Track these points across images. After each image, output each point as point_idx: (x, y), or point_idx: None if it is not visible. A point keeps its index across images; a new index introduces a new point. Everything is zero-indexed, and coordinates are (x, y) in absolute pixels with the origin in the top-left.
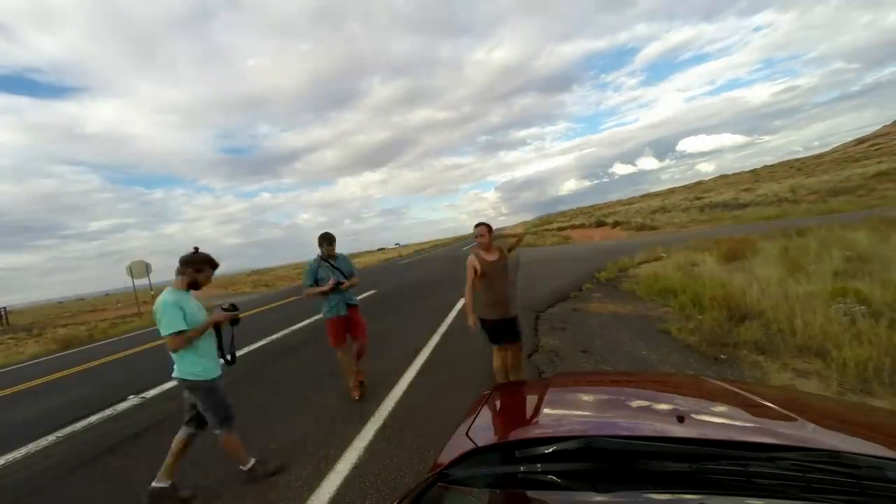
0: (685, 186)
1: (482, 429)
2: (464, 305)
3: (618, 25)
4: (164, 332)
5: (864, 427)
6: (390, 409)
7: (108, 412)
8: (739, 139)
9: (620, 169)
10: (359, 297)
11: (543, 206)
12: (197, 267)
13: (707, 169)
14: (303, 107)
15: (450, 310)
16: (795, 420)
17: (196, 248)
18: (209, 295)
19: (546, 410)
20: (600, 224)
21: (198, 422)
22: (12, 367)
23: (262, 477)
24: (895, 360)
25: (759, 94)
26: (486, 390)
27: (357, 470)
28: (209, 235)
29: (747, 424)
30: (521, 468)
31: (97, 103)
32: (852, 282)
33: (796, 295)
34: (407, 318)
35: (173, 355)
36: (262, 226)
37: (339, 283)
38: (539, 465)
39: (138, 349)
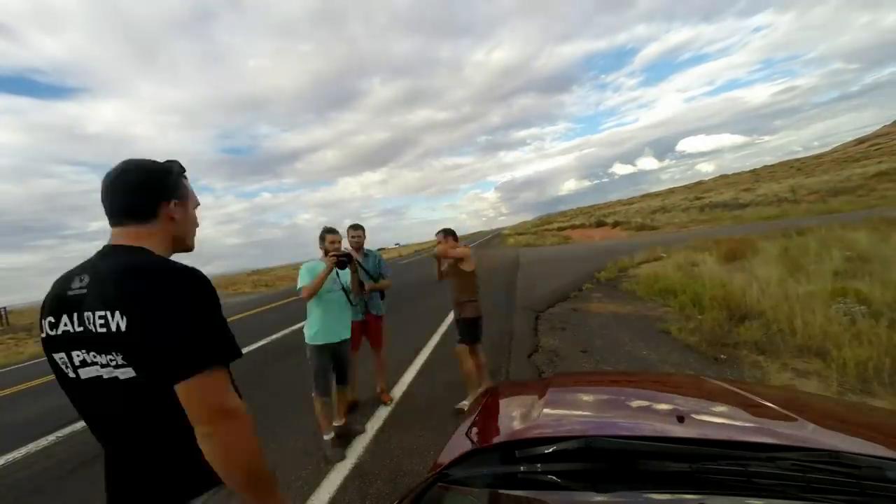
0: (685, 186)
1: (482, 429)
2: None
3: (617, 26)
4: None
5: (864, 427)
6: (391, 408)
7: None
8: (739, 139)
9: (620, 169)
10: None
11: (543, 206)
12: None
13: (707, 169)
14: (303, 107)
15: (450, 310)
16: (795, 420)
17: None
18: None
19: (546, 410)
20: (600, 224)
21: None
22: (12, 367)
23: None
24: (895, 360)
25: (759, 94)
26: (485, 390)
27: (357, 469)
28: (209, 235)
29: (747, 424)
30: (521, 468)
31: (98, 104)
32: (852, 282)
33: (796, 295)
34: (407, 318)
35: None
36: (262, 226)
37: (360, 284)
38: (539, 465)
39: None
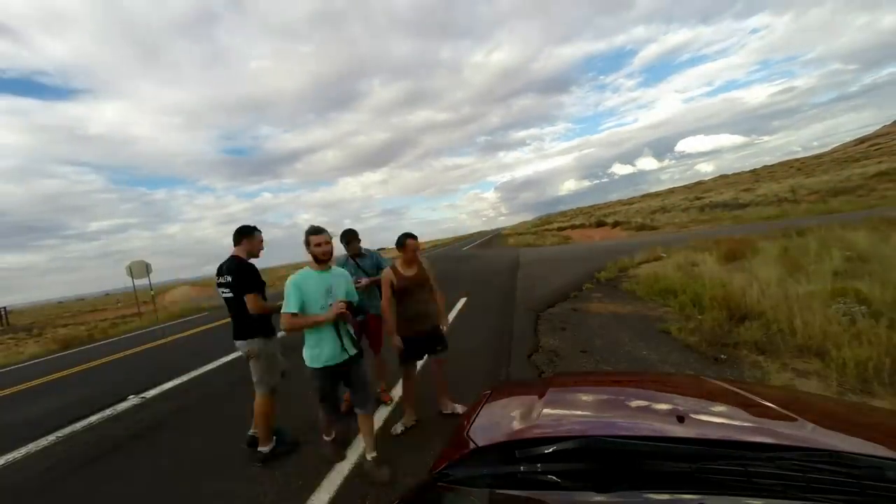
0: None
1: (482, 429)
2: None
3: (616, 28)
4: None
5: (864, 427)
6: (391, 408)
7: (108, 412)
8: (738, 139)
9: (620, 169)
10: None
11: (543, 207)
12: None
13: (706, 169)
14: (304, 108)
15: (450, 310)
16: (795, 420)
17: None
18: (206, 295)
19: (546, 410)
20: (600, 224)
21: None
22: (12, 367)
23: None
24: (895, 360)
25: (757, 95)
26: (486, 390)
27: (357, 469)
28: (210, 235)
29: (747, 424)
30: (521, 468)
31: (101, 105)
32: (852, 282)
33: (796, 295)
34: None
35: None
36: (262, 226)
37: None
38: (539, 465)
39: (138, 349)
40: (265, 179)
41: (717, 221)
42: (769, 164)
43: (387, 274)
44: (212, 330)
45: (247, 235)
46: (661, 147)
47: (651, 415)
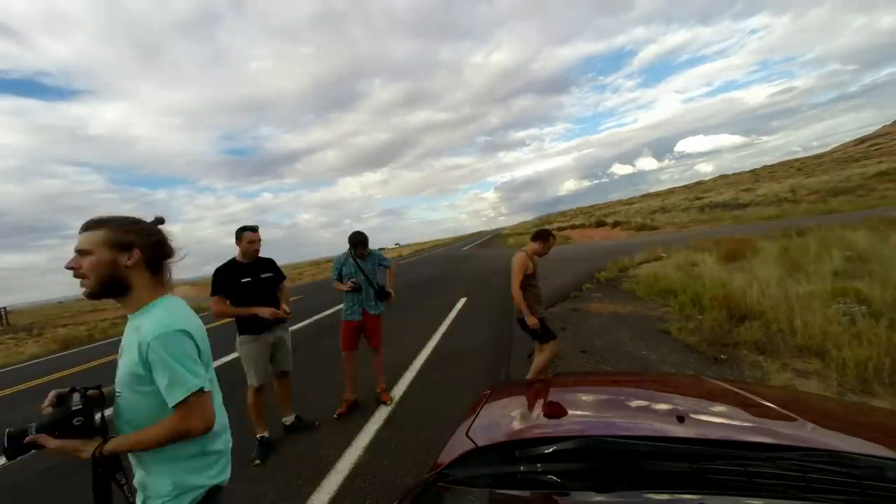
0: (685, 186)
1: (482, 429)
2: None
3: (615, 29)
4: None
5: (864, 427)
6: (391, 408)
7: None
8: (738, 140)
9: (619, 169)
10: None
11: (543, 207)
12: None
13: (706, 169)
14: (304, 109)
15: (450, 310)
16: (795, 420)
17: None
18: (203, 295)
19: (546, 410)
20: (600, 224)
21: None
22: (12, 367)
23: None
24: (895, 360)
25: (757, 95)
26: (486, 390)
27: (356, 469)
28: (210, 235)
29: (747, 424)
30: (521, 468)
31: (102, 105)
32: (852, 282)
33: (796, 295)
34: (408, 318)
35: None
36: (263, 226)
37: (357, 286)
38: (539, 465)
39: None
40: (265, 180)
41: (717, 221)
42: (769, 164)
43: (522, 258)
44: (212, 330)
45: (237, 237)
46: (661, 147)
47: (651, 415)
